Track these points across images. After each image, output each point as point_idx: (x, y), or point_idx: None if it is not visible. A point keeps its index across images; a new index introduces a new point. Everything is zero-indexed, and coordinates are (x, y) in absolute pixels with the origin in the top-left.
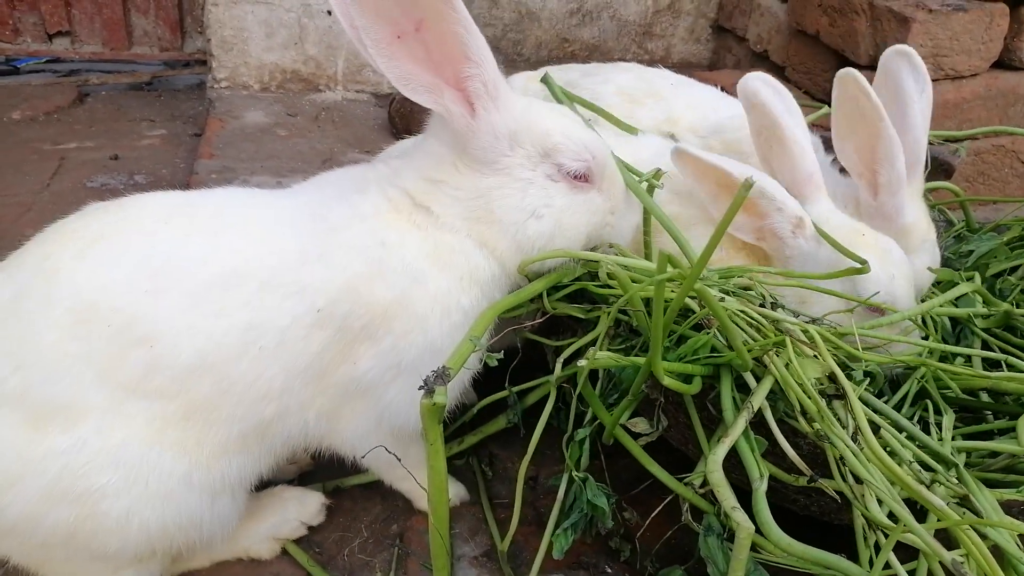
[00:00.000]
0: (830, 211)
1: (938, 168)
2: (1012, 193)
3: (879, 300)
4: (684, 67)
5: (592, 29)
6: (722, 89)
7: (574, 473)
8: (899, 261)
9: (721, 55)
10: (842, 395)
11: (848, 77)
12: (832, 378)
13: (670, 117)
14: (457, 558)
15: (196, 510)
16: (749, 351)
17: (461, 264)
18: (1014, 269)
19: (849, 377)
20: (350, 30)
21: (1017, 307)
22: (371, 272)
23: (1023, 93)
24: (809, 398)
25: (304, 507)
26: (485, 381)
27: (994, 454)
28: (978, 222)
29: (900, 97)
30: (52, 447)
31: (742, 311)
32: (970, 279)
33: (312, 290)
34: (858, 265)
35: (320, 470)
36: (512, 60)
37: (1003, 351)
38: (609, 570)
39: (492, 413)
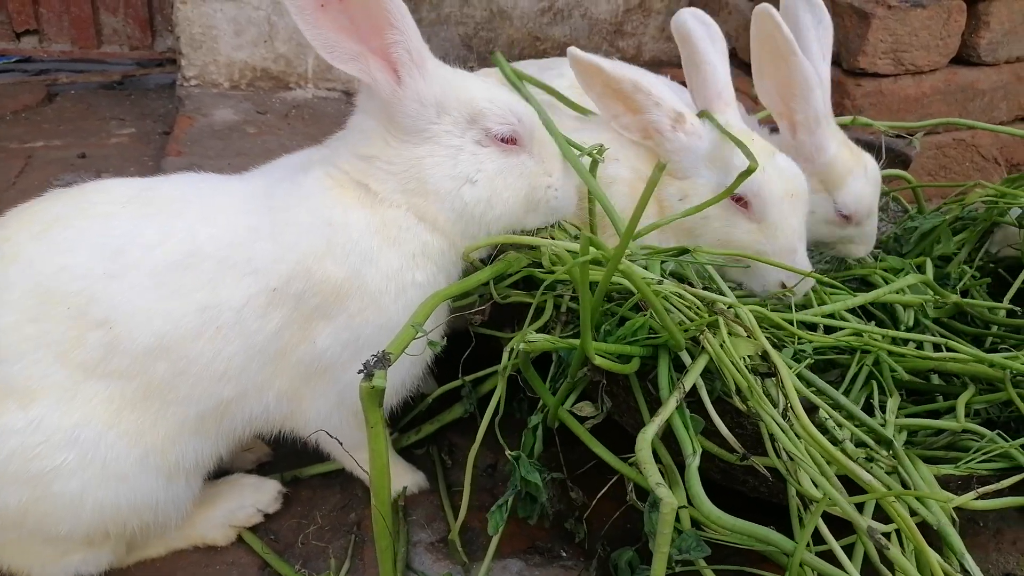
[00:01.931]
0: (732, 119)
1: (895, 160)
2: None
3: (747, 190)
4: (656, 65)
5: (563, 27)
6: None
7: (508, 453)
8: (784, 168)
9: None
10: (773, 373)
11: (763, 12)
12: (764, 356)
13: None
14: (414, 544)
15: (151, 492)
16: (686, 331)
17: (410, 240)
18: (962, 248)
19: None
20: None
21: (966, 294)
22: (321, 251)
23: (981, 88)
24: (742, 376)
25: (260, 494)
26: (442, 370)
27: (938, 433)
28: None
29: (798, 32)
30: (7, 426)
31: (676, 293)
32: (920, 267)
33: (265, 270)
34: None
35: (279, 461)
36: (484, 59)
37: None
38: (564, 554)
39: (450, 402)
